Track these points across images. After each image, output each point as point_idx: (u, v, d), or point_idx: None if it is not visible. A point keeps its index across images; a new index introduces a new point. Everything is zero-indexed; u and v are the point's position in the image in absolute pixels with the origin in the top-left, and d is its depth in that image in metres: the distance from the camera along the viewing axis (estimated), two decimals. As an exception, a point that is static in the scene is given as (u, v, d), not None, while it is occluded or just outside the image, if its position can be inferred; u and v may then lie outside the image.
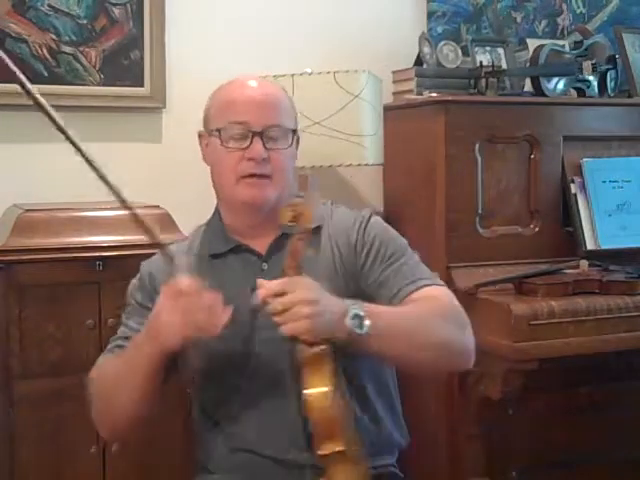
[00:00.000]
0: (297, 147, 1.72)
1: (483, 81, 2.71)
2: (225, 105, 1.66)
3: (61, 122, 1.42)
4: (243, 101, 1.64)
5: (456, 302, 1.64)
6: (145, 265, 1.75)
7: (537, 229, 2.66)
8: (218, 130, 1.63)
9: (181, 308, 1.44)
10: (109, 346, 1.71)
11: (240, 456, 1.61)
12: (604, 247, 2.63)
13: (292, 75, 2.50)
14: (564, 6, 3.20)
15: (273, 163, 1.63)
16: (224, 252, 1.68)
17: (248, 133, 1.61)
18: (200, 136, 1.73)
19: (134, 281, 1.75)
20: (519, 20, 3.14)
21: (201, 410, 1.70)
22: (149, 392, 1.56)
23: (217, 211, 1.76)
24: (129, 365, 1.55)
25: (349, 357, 1.59)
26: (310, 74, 2.50)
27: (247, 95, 1.65)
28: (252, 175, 1.62)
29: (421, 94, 2.72)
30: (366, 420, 1.63)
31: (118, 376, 1.57)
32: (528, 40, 3.01)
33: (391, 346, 1.51)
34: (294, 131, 1.68)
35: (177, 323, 1.44)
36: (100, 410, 1.65)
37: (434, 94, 2.68)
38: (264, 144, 1.61)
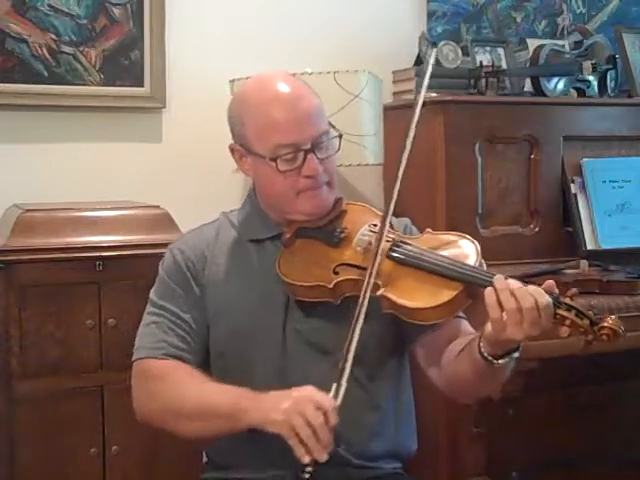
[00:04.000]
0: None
1: (483, 81, 2.71)
2: (265, 127, 1.60)
3: None
4: (285, 122, 1.58)
5: None
6: (177, 247, 1.71)
7: (537, 229, 2.66)
8: (272, 159, 1.58)
9: (304, 414, 1.41)
10: (147, 327, 1.66)
11: (257, 450, 1.60)
12: (604, 247, 2.63)
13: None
14: (564, 6, 3.19)
15: (328, 169, 1.62)
16: (264, 239, 1.68)
17: (299, 152, 1.58)
18: (232, 150, 1.69)
19: (168, 262, 1.70)
20: (519, 20, 3.14)
21: None
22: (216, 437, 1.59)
23: (253, 200, 1.72)
24: (213, 414, 1.54)
25: (381, 356, 1.63)
26: (310, 74, 2.49)
27: (287, 113, 1.59)
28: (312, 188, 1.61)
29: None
30: (380, 422, 1.64)
31: (195, 412, 1.56)
32: (528, 40, 3.00)
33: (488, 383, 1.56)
34: (340, 136, 1.65)
35: (288, 423, 1.42)
36: (154, 411, 1.62)
37: (434, 94, 2.68)
38: (317, 157, 1.59)
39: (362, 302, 1.49)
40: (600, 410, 2.60)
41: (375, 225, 1.60)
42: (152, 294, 1.70)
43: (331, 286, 1.55)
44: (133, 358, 1.66)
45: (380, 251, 1.53)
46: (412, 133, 1.58)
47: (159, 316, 1.66)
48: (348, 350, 1.46)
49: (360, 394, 1.61)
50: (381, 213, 1.62)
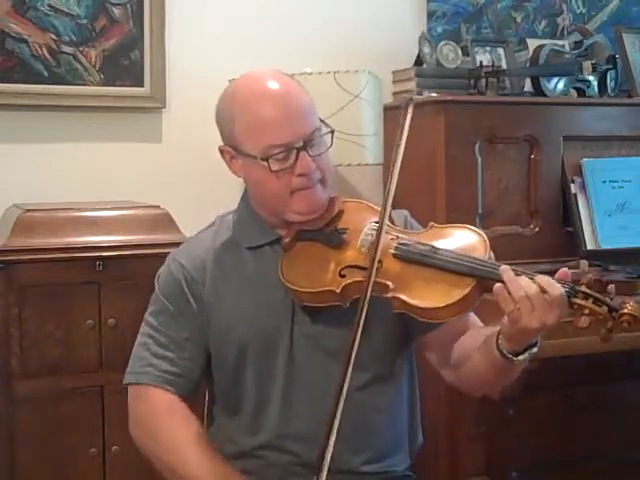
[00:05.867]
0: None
1: (483, 81, 2.71)
2: (255, 126, 1.56)
3: None
4: (276, 120, 1.54)
5: None
6: (175, 259, 1.67)
7: (537, 229, 2.66)
8: (264, 159, 1.54)
9: None
10: (138, 349, 1.65)
11: (263, 454, 1.60)
12: (604, 247, 2.63)
13: (292, 75, 2.49)
14: (564, 6, 3.19)
15: (320, 166, 1.58)
16: (262, 244, 1.64)
17: (291, 151, 1.55)
18: (222, 151, 1.65)
19: (165, 275, 1.67)
20: (519, 20, 3.14)
21: (224, 406, 1.67)
22: None
23: (247, 203, 1.69)
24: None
25: (389, 356, 1.62)
26: (310, 74, 2.49)
27: (278, 111, 1.55)
28: (306, 187, 1.58)
29: (421, 94, 2.72)
30: (389, 423, 1.64)
31: (167, 468, 1.59)
32: (528, 40, 3.00)
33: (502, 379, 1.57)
34: (332, 132, 1.62)
35: None
36: (137, 439, 1.65)
37: (434, 94, 2.68)
38: (309, 154, 1.55)
39: (360, 312, 1.44)
40: (600, 410, 2.60)
41: (377, 222, 1.55)
42: (147, 313, 1.68)
43: (339, 290, 1.51)
44: (124, 382, 1.66)
45: (378, 255, 1.48)
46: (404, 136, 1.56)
47: (149, 337, 1.64)
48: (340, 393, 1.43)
49: (367, 398, 1.59)
50: (379, 208, 1.58)
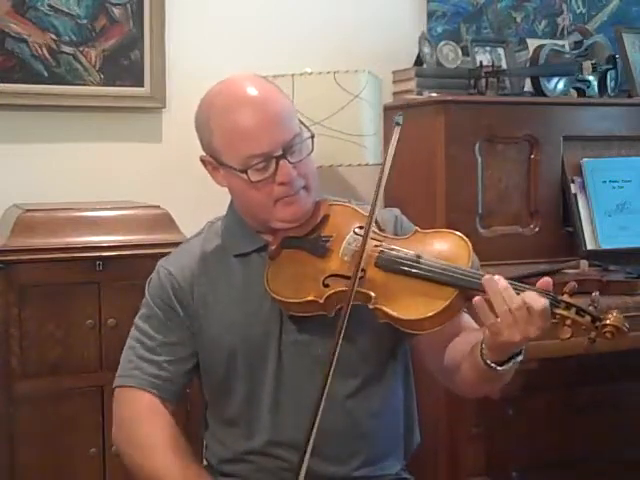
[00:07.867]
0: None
1: (483, 81, 2.71)
2: (233, 135, 1.52)
3: None
4: (254, 128, 1.50)
5: None
6: (164, 266, 1.66)
7: (537, 229, 2.67)
8: (243, 171, 1.52)
9: None
10: (126, 352, 1.65)
11: (254, 459, 1.60)
12: (604, 247, 2.63)
13: (292, 75, 2.50)
14: (564, 6, 3.20)
15: (303, 173, 1.55)
16: (249, 252, 1.63)
17: (270, 160, 1.51)
18: (204, 162, 1.61)
19: (154, 282, 1.66)
20: (519, 20, 3.14)
21: (216, 412, 1.67)
22: None
23: (234, 210, 1.67)
24: None
25: (378, 360, 1.61)
26: (310, 74, 2.50)
27: (255, 119, 1.50)
28: (289, 195, 1.55)
29: (421, 94, 2.73)
30: (382, 427, 1.63)
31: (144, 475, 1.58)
32: (528, 40, 3.01)
33: (491, 385, 1.56)
34: (312, 136, 1.58)
35: None
36: (118, 443, 1.66)
37: (434, 94, 2.68)
38: (289, 162, 1.52)
39: (342, 323, 1.43)
40: (598, 410, 2.60)
41: (361, 227, 1.53)
42: (137, 317, 1.67)
43: (322, 301, 1.50)
44: (113, 385, 1.66)
45: (359, 273, 1.46)
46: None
47: (137, 341, 1.64)
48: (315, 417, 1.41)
49: (360, 403, 1.59)
50: (365, 213, 1.55)
